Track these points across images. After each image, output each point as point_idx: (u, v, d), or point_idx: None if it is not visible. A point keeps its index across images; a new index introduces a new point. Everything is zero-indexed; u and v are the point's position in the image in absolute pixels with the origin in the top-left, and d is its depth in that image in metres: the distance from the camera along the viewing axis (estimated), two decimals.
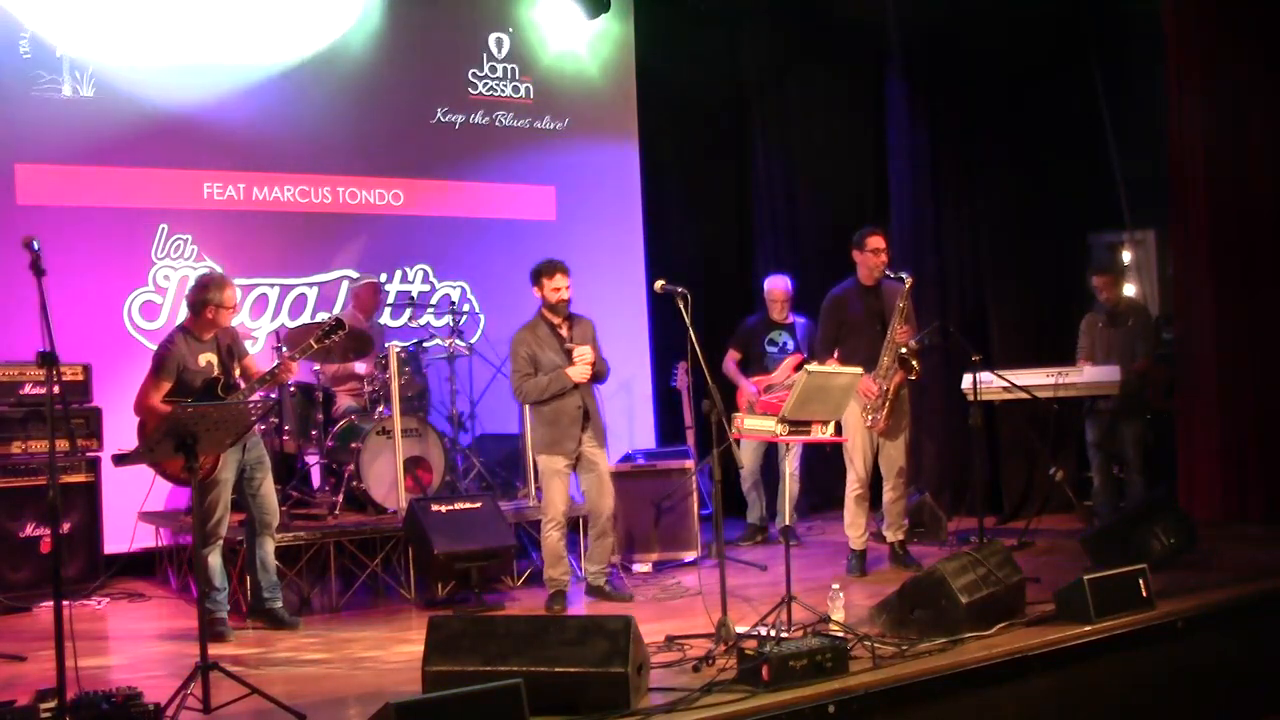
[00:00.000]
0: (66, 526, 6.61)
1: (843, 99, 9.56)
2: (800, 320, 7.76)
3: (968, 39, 8.86)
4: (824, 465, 8.26)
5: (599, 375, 6.16)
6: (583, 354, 6.05)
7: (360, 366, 7.49)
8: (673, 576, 6.84)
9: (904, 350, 6.36)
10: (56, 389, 4.19)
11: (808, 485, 8.20)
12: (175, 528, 6.94)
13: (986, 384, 7.15)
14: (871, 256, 6.58)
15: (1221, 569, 6.03)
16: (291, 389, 7.27)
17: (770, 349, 7.70)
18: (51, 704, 3.97)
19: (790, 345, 7.70)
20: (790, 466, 7.27)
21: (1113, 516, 7.04)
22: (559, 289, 6.07)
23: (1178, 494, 7.49)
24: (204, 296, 5.63)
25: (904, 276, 6.44)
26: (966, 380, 7.03)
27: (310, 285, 8.14)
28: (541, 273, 6.10)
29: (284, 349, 6.56)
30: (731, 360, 7.74)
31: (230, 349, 5.79)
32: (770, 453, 7.75)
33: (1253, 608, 5.47)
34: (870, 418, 6.47)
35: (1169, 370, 7.84)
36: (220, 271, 6.79)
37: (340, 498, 6.93)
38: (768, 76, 9.54)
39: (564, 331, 6.14)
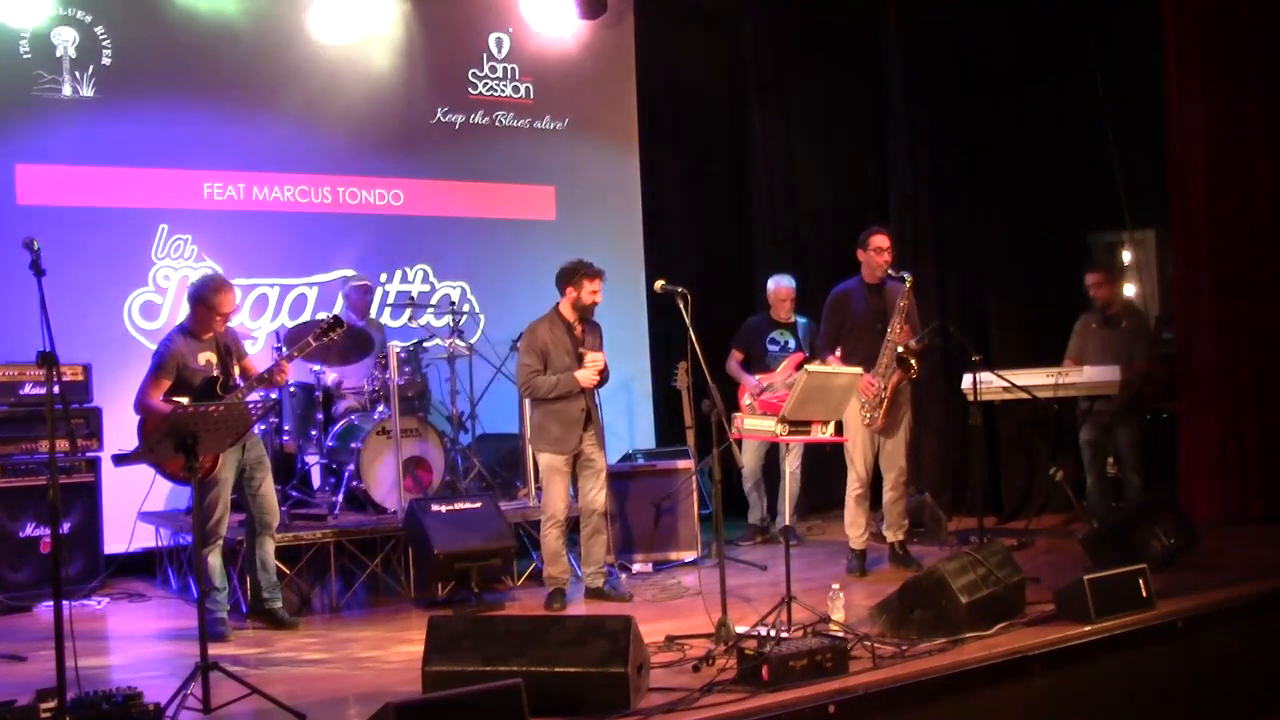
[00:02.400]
0: (66, 526, 6.61)
1: (843, 99, 9.55)
2: (802, 320, 7.77)
3: (967, 39, 8.87)
4: (824, 466, 8.26)
5: (603, 381, 6.18)
6: (595, 360, 6.08)
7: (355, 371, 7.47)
8: (673, 576, 6.84)
9: (902, 349, 6.37)
10: (56, 389, 4.18)
11: (808, 485, 8.19)
12: (175, 528, 6.94)
13: (986, 384, 7.14)
14: (875, 255, 6.59)
15: (1221, 569, 6.03)
16: (292, 389, 7.27)
17: (772, 348, 7.72)
18: (51, 704, 3.97)
19: (792, 344, 7.71)
20: (791, 466, 7.27)
21: (1112, 516, 7.03)
22: (596, 292, 6.10)
23: (1178, 494, 7.49)
24: (202, 298, 5.64)
25: (905, 275, 6.45)
26: (966, 380, 7.03)
27: (310, 285, 8.14)
28: (583, 274, 6.09)
29: (283, 349, 6.55)
30: (735, 360, 7.76)
31: (230, 348, 5.79)
32: (772, 452, 7.76)
33: (1253, 608, 5.47)
34: (868, 416, 6.47)
35: (1168, 370, 7.83)
36: (220, 274, 6.77)
37: (340, 498, 6.93)
38: (768, 76, 9.53)
39: (578, 333, 6.15)
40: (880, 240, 6.61)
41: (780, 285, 7.82)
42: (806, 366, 5.28)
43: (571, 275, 6.11)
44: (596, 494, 6.20)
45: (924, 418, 8.12)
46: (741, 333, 7.86)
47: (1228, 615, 5.34)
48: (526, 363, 6.10)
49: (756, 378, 7.59)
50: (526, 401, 7.37)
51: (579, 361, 6.09)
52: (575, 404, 6.08)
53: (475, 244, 8.67)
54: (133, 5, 7.60)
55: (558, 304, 6.19)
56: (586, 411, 6.11)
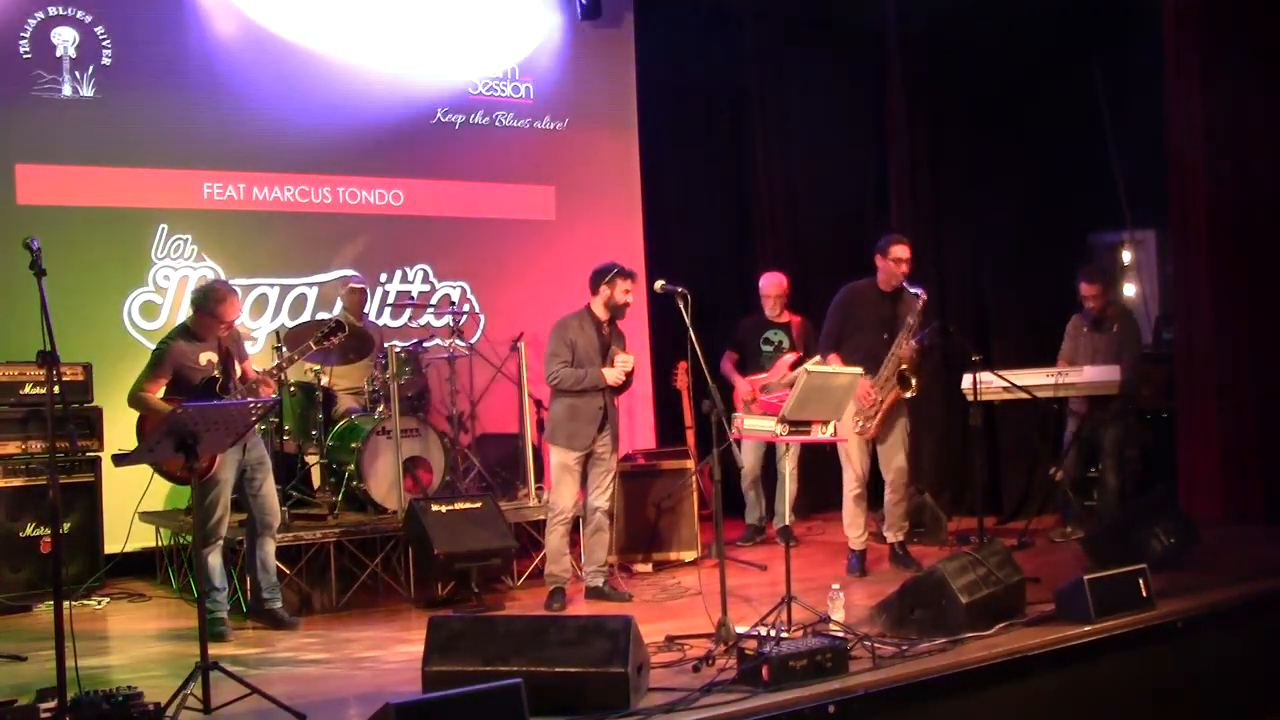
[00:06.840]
0: (66, 526, 6.61)
1: (842, 99, 9.56)
2: (797, 319, 7.75)
3: (968, 39, 8.87)
4: (823, 466, 8.25)
5: (627, 384, 6.21)
6: (626, 361, 6.11)
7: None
8: (673, 576, 6.84)
9: (904, 367, 6.38)
10: (56, 389, 4.18)
11: (807, 486, 8.18)
12: (175, 528, 6.94)
13: (986, 384, 7.14)
14: (894, 265, 6.57)
15: (1221, 569, 6.03)
16: (291, 389, 7.27)
17: (766, 348, 7.70)
18: (51, 704, 3.97)
19: (786, 344, 7.69)
20: (789, 466, 7.27)
21: (1112, 516, 7.03)
22: (629, 292, 6.12)
23: (1178, 494, 7.49)
24: (205, 307, 5.64)
25: (919, 292, 6.44)
26: (966, 380, 7.03)
27: (310, 285, 8.14)
28: (617, 275, 6.10)
29: (284, 349, 6.55)
30: (729, 361, 7.73)
31: (231, 350, 5.79)
32: (770, 454, 7.75)
33: (1253, 608, 5.47)
34: (861, 424, 6.48)
35: (1168, 370, 7.83)
36: (224, 282, 6.72)
37: (340, 498, 6.93)
38: (768, 76, 9.53)
39: (606, 333, 6.18)
40: (901, 251, 6.59)
41: (767, 281, 7.79)
42: (806, 366, 5.28)
43: (606, 275, 6.13)
44: (602, 494, 6.20)
45: (924, 418, 8.12)
46: (735, 334, 7.84)
47: (1228, 615, 5.34)
48: (556, 353, 6.10)
49: (750, 381, 7.56)
50: (528, 401, 7.40)
51: (604, 359, 6.10)
52: (594, 401, 6.09)
53: (475, 244, 8.66)
54: (133, 5, 7.60)
55: (589, 303, 6.19)
56: (604, 411, 6.12)
